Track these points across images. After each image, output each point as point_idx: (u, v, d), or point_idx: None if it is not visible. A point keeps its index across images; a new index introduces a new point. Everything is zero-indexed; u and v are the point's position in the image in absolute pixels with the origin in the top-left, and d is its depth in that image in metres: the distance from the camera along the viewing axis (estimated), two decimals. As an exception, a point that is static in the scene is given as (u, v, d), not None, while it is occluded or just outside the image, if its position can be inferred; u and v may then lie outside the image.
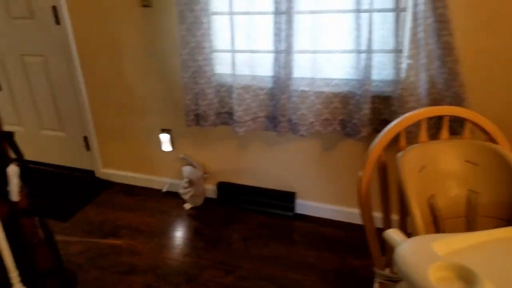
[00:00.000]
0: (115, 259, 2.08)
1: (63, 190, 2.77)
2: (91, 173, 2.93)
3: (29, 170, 1.52)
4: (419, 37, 1.70)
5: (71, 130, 2.86)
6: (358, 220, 2.30)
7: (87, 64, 2.56)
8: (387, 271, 1.41)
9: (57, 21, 2.50)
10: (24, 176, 1.50)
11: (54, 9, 2.48)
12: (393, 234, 1.10)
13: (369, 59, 1.81)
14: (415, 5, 1.66)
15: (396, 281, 1.30)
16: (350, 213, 2.30)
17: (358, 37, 1.80)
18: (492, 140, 1.38)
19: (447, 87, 1.74)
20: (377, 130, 2.00)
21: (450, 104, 1.76)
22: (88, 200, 2.63)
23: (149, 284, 1.91)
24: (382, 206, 1.40)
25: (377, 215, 2.16)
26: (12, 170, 1.39)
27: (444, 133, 1.38)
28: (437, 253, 0.94)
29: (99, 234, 2.29)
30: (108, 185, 2.81)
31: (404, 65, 1.78)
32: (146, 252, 2.13)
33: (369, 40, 1.78)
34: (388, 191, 1.41)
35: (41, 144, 3.03)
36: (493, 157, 1.32)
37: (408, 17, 1.71)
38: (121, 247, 2.17)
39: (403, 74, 1.79)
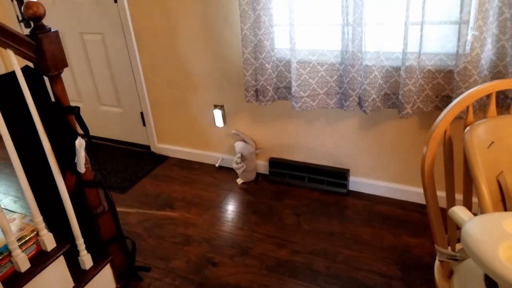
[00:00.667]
0: (171, 230, 2.16)
1: (121, 164, 2.90)
2: (147, 147, 3.04)
3: (92, 143, 1.59)
4: (492, 5, 1.57)
5: (128, 106, 2.97)
6: (413, 198, 2.22)
7: (143, 41, 2.62)
8: (449, 250, 1.36)
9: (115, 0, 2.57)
10: (89, 148, 1.58)
11: (111, -13, 2.54)
12: (459, 212, 1.04)
13: (418, 31, 1.73)
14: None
15: (458, 259, 1.24)
16: (404, 191, 2.23)
17: (407, 9, 1.72)
18: None
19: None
20: (438, 107, 1.90)
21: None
22: (144, 173, 2.74)
23: (204, 255, 1.97)
24: (446, 184, 1.34)
25: (440, 194, 2.08)
26: (79, 143, 1.46)
27: (517, 107, 1.28)
28: (508, 231, 0.89)
29: (156, 206, 2.38)
30: (163, 160, 2.90)
31: (469, 37, 1.66)
32: (201, 224, 2.19)
33: (423, 10, 1.69)
34: (453, 168, 1.34)
35: (100, 119, 3.17)
36: None
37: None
38: (177, 219, 2.25)
39: (467, 47, 1.68)
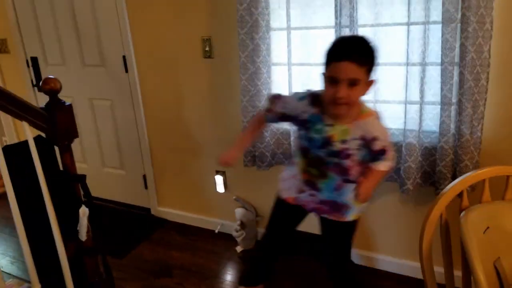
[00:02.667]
0: (168, 300, 2.12)
1: (121, 227, 2.89)
2: (147, 210, 3.05)
3: (97, 210, 1.62)
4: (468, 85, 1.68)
5: (131, 169, 3.02)
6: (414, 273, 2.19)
7: (150, 109, 2.73)
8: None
9: (126, 69, 2.71)
10: (92, 216, 1.60)
11: (124, 58, 2.69)
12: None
13: (416, 110, 1.83)
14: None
15: None
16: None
17: (407, 89, 1.83)
18: None
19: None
20: (419, 184, 1.94)
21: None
22: (143, 238, 2.72)
23: (200, 328, 1.91)
24: (444, 265, 1.35)
25: (440, 269, 2.04)
26: (83, 211, 1.49)
27: (510, 193, 1.32)
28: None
29: (153, 273, 2.34)
30: (163, 223, 2.89)
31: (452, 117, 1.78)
32: (198, 294, 2.15)
33: (421, 93, 1.80)
34: (451, 249, 1.35)
35: (103, 181, 3.20)
36: None
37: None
38: (174, 288, 2.21)
39: (451, 126, 1.79)
